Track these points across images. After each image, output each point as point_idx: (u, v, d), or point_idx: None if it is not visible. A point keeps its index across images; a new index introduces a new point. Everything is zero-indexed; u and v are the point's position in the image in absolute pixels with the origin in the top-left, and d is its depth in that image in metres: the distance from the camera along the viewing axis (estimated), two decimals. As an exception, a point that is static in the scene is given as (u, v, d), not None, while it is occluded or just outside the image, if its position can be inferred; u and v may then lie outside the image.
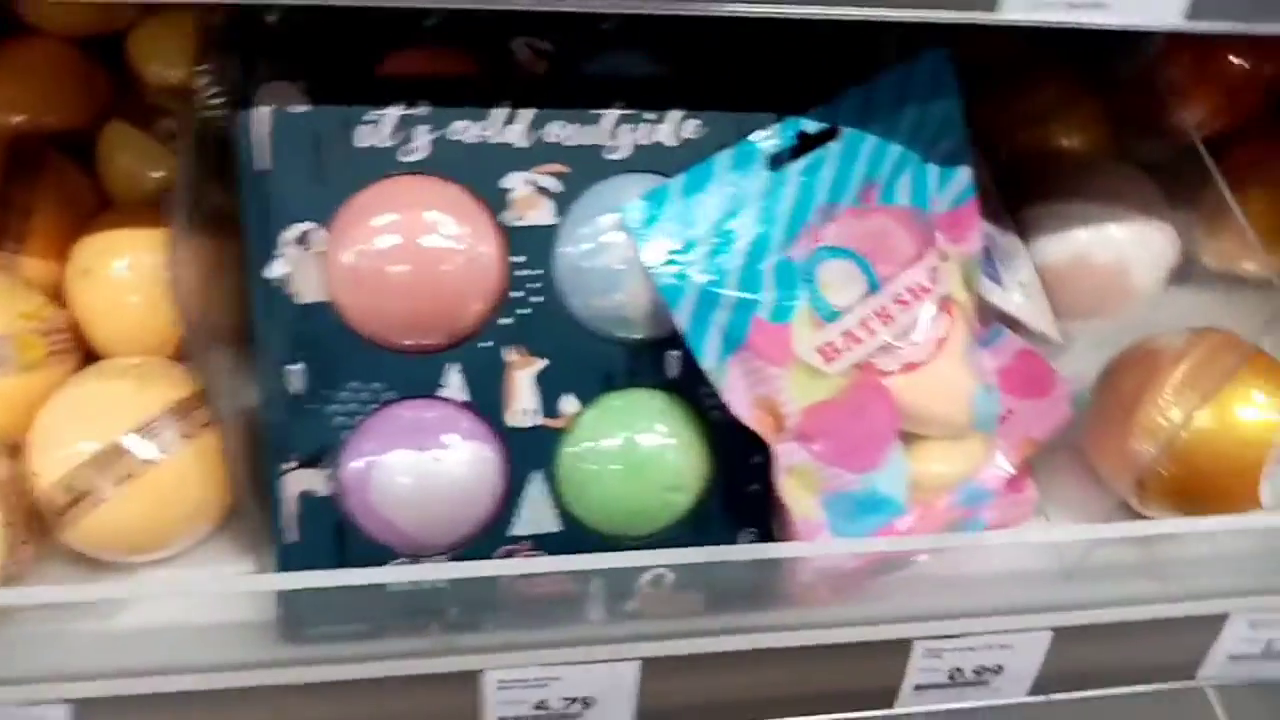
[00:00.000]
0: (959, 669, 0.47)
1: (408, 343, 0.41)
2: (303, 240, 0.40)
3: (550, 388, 0.43)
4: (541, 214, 0.41)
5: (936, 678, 0.48)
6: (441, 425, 0.42)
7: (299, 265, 0.40)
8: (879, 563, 0.44)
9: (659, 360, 0.44)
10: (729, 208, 0.41)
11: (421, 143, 0.40)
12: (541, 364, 0.42)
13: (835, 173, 0.42)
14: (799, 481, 0.43)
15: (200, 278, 0.41)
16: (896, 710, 0.50)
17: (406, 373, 0.42)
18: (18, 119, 0.50)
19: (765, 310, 0.41)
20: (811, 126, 0.41)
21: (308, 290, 0.40)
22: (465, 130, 0.40)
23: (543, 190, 0.41)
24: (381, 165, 0.40)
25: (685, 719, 0.48)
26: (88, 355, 0.47)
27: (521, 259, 0.41)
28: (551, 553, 0.44)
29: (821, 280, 0.42)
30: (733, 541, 0.45)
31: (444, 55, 0.43)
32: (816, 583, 0.45)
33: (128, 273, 0.46)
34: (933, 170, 0.44)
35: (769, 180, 0.41)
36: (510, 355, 0.42)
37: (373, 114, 0.40)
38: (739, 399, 0.41)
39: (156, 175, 0.50)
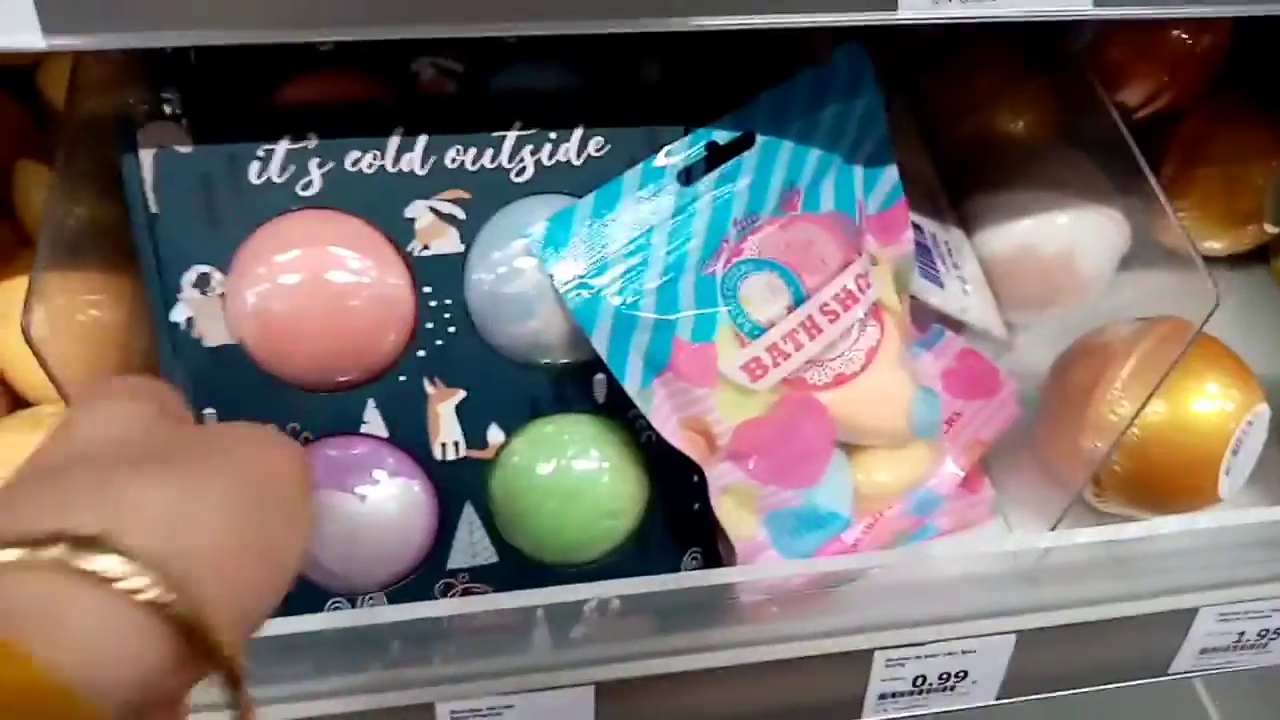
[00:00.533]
0: (923, 676, 0.46)
1: (322, 381, 0.40)
2: (202, 284, 0.39)
3: (474, 418, 0.41)
4: (447, 242, 0.40)
5: (901, 686, 0.47)
6: (365, 462, 0.41)
7: (201, 309, 0.39)
8: (828, 577, 0.43)
9: (586, 385, 0.42)
10: (641, 226, 0.39)
11: (316, 176, 0.39)
12: (460, 395, 0.41)
13: (752, 182, 0.40)
14: (736, 501, 0.42)
15: (77, 324, 0.39)
16: None
17: (323, 411, 0.40)
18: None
19: (686, 330, 0.39)
20: (723, 136, 0.40)
21: (213, 334, 0.39)
22: (361, 160, 0.39)
23: (446, 217, 0.39)
24: (277, 202, 0.39)
25: None
26: (15, 402, 0.47)
27: (430, 289, 0.40)
28: (492, 584, 0.43)
29: (744, 295, 0.40)
30: (677, 562, 0.44)
31: (344, 80, 0.42)
32: (766, 601, 0.44)
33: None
34: (858, 172, 0.42)
35: (681, 195, 0.40)
36: (429, 388, 0.41)
37: (262, 149, 0.38)
38: (666, 422, 0.40)
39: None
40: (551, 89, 0.43)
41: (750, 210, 0.41)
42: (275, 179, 0.38)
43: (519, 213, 0.40)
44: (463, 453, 0.42)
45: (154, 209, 0.38)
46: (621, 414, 0.42)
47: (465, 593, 0.43)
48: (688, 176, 0.40)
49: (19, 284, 0.45)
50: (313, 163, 0.38)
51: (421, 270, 0.40)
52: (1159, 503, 0.45)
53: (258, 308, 0.39)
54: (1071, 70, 0.48)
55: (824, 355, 0.41)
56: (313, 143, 0.38)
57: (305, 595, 0.41)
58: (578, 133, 0.40)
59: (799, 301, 0.40)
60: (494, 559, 0.43)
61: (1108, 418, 0.44)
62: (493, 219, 0.40)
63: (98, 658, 0.18)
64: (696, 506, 0.43)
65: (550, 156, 0.40)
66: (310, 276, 0.39)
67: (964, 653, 0.45)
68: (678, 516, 0.44)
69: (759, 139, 0.40)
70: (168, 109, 0.39)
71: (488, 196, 0.40)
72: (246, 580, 0.22)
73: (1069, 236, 0.47)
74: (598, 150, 0.40)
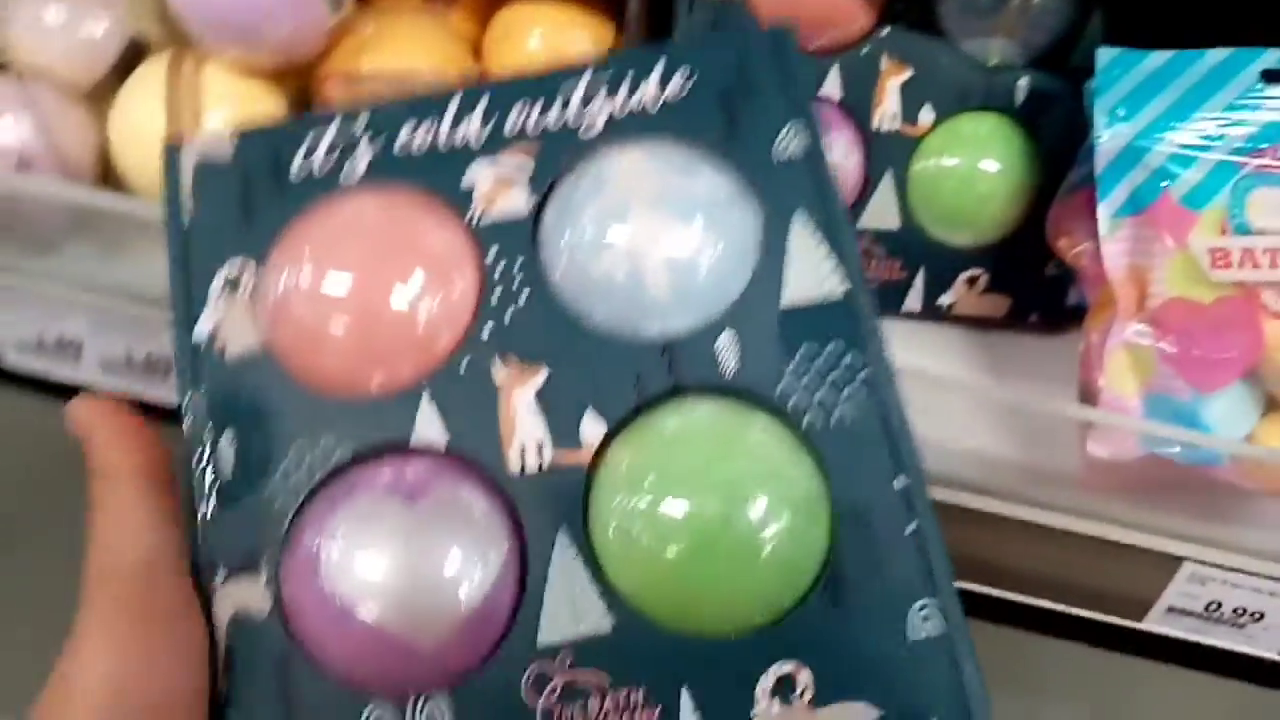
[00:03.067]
0: (1218, 603, 0.47)
1: (365, 387, 0.33)
2: (231, 286, 0.34)
3: (561, 406, 0.32)
4: (513, 203, 0.34)
5: (1193, 605, 0.48)
6: (415, 487, 0.31)
7: (227, 314, 0.34)
8: (1174, 472, 0.45)
9: (707, 354, 0.32)
10: (1196, 93, 0.44)
11: (362, 163, 0.35)
12: (543, 375, 0.32)
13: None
14: (1132, 362, 0.45)
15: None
16: (1143, 625, 0.51)
17: (363, 420, 0.32)
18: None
19: (1180, 189, 0.43)
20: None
21: (238, 341, 0.33)
22: (417, 129, 0.35)
23: (511, 177, 0.35)
24: (318, 194, 0.34)
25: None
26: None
27: (494, 256, 0.34)
28: (607, 665, 0.30)
29: (1253, 199, 0.43)
30: (900, 621, 0.30)
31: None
32: (1106, 469, 0.46)
33: (539, 42, 0.53)
34: None
35: (1255, 89, 0.43)
36: (499, 371, 0.33)
37: (305, 145, 0.35)
38: (1117, 259, 0.44)
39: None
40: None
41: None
42: (316, 171, 0.35)
43: (595, 162, 0.35)
44: (549, 458, 0.32)
45: (187, 223, 0.35)
46: (765, 391, 0.32)
47: (566, 692, 0.30)
48: (1270, 77, 0.43)
49: (517, 13, 0.54)
50: (358, 151, 0.35)
51: (487, 237, 0.34)
52: None
53: (292, 300, 0.33)
54: None
55: (1292, 286, 0.42)
56: (363, 120, 0.35)
57: (330, 706, 0.30)
58: (659, 66, 0.35)
59: (1301, 230, 0.42)
60: (607, 624, 0.30)
61: None
62: (566, 173, 0.35)
63: None
64: (912, 528, 0.31)
65: (622, 107, 0.35)
66: (353, 260, 0.33)
67: (1271, 594, 0.45)
68: (884, 548, 0.31)
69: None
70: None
71: (556, 154, 0.35)
72: None
73: None
74: (676, 95, 0.35)
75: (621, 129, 0.35)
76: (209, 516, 0.32)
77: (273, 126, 0.36)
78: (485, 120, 0.35)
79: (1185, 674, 0.53)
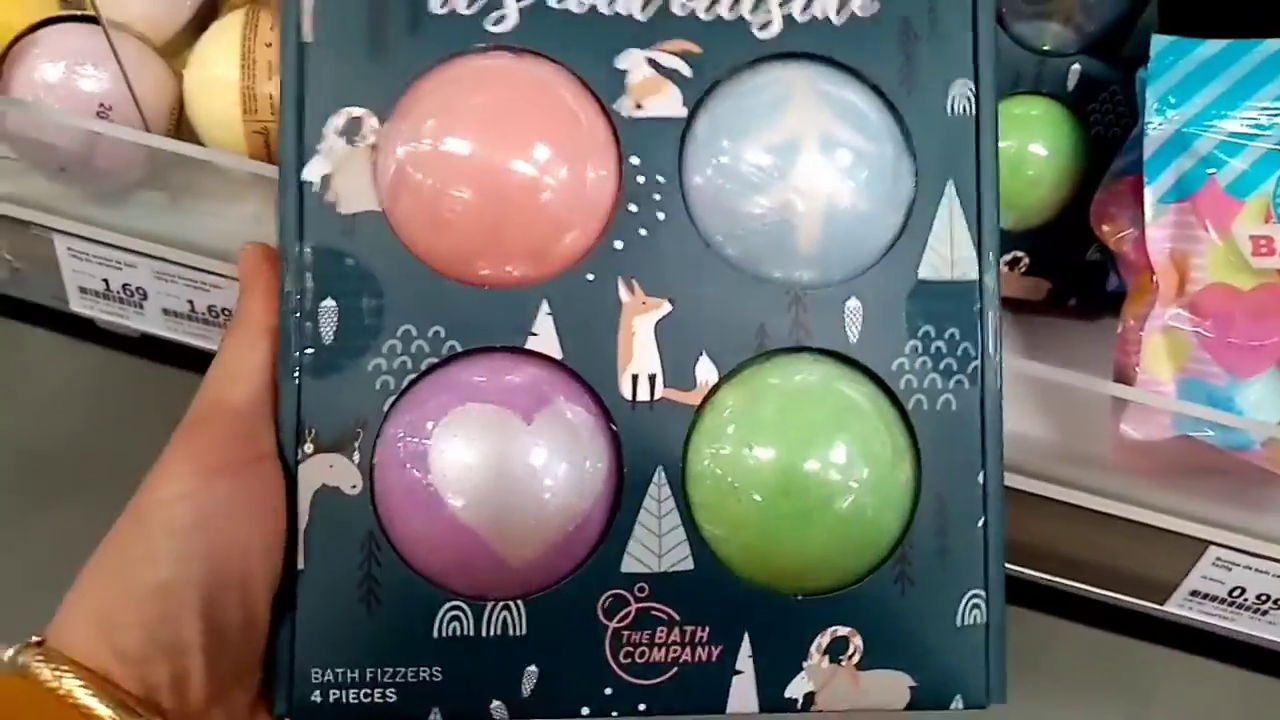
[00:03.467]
0: (1242, 589, 0.48)
1: (484, 272, 0.32)
2: (351, 131, 0.31)
3: (679, 344, 0.32)
4: (667, 103, 0.32)
5: (1217, 590, 0.49)
6: (527, 394, 0.31)
7: (344, 164, 0.31)
8: (1204, 456, 0.46)
9: (835, 315, 0.32)
10: (1248, 83, 0.44)
11: (513, 9, 0.32)
12: (665, 308, 0.32)
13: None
14: (1169, 346, 0.46)
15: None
16: (1166, 609, 0.51)
17: (479, 312, 0.31)
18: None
19: (1226, 177, 0.44)
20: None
21: (353, 197, 0.31)
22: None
23: (669, 73, 0.32)
24: (461, 37, 0.32)
25: None
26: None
27: (639, 161, 0.32)
28: (681, 604, 0.31)
29: (1300, 188, 0.44)
30: (951, 607, 0.32)
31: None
32: (1138, 448, 0.47)
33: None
34: None
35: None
36: (624, 293, 0.32)
37: None
38: (1160, 244, 0.45)
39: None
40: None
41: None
42: (460, 9, 0.32)
43: (763, 78, 0.32)
44: (659, 393, 0.32)
45: (308, 36, 0.31)
46: (881, 366, 0.32)
47: (639, 619, 0.31)
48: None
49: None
50: None
51: (630, 136, 0.32)
52: None
53: (416, 165, 0.31)
54: None
55: (1334, 276, 0.43)
56: None
57: (410, 595, 0.31)
58: None
59: (1348, 221, 0.43)
60: (688, 564, 0.32)
61: None
62: (729, 82, 0.32)
63: None
64: (982, 523, 0.32)
65: (804, 9, 0.32)
66: (487, 133, 0.31)
67: (1296, 581, 0.45)
68: (954, 537, 0.32)
69: None
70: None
71: (722, 52, 0.32)
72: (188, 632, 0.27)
73: None
74: (863, 9, 0.33)
75: (800, 36, 0.32)
76: (303, 378, 0.31)
77: None
78: None
79: (1205, 663, 0.53)
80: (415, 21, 0.31)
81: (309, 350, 0.31)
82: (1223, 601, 0.49)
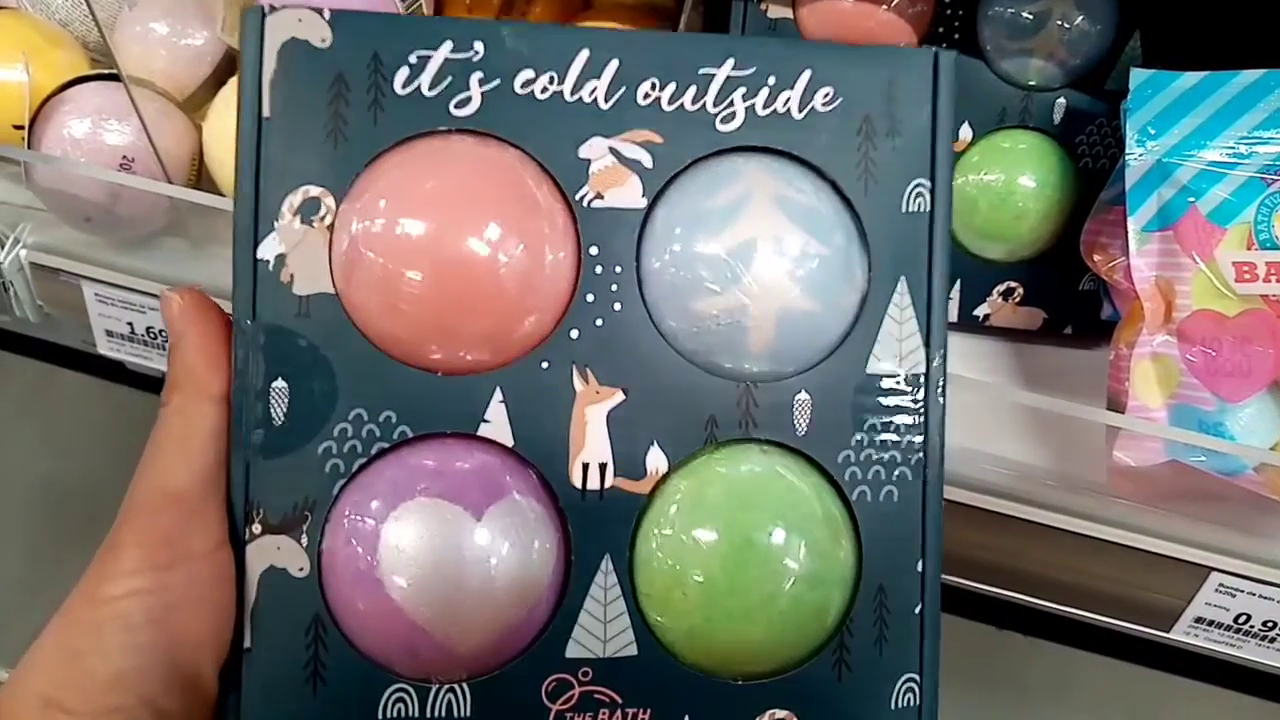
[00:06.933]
0: (1247, 615, 0.47)
1: (437, 357, 0.31)
2: (308, 210, 0.31)
3: (630, 432, 0.32)
4: (627, 193, 0.32)
5: (1222, 616, 0.48)
6: (476, 480, 0.31)
7: (300, 244, 0.31)
8: (1200, 481, 0.46)
9: (785, 408, 0.32)
10: (1227, 113, 0.45)
11: (476, 94, 0.31)
12: (618, 398, 0.32)
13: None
14: (1159, 374, 0.46)
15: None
16: (1171, 636, 0.51)
17: (431, 399, 0.31)
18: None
19: (1208, 205, 0.45)
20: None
21: (308, 278, 0.31)
22: (534, 82, 0.31)
23: (630, 163, 0.32)
24: (423, 119, 0.31)
25: (967, 569, 0.51)
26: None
27: (597, 250, 0.32)
28: (623, 690, 0.32)
29: (1280, 214, 0.44)
30: (887, 690, 0.33)
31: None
32: (1132, 474, 0.47)
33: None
34: None
35: (1282, 108, 0.45)
36: (578, 382, 0.32)
37: (416, 53, 0.31)
38: (1144, 270, 0.46)
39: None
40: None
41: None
42: (426, 91, 0.31)
43: (723, 174, 0.33)
44: (610, 481, 0.32)
45: (267, 112, 0.30)
46: (827, 458, 0.33)
47: (582, 702, 0.32)
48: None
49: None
50: (475, 77, 0.31)
51: (590, 225, 0.32)
52: None
53: (371, 248, 0.30)
54: None
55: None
56: (478, 54, 0.31)
57: (355, 677, 0.31)
58: (804, 78, 0.32)
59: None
60: (632, 649, 0.32)
61: None
62: (689, 175, 0.32)
63: None
64: (919, 609, 0.33)
65: (766, 104, 0.32)
66: (442, 216, 0.30)
67: (1302, 608, 0.44)
68: (892, 624, 0.33)
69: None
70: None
71: (684, 144, 0.32)
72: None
73: None
74: (825, 104, 0.33)
75: (761, 131, 0.32)
76: (253, 458, 0.30)
77: (375, 15, 0.32)
78: (614, 85, 0.32)
79: (1212, 690, 0.53)
80: (377, 101, 0.31)
81: (259, 430, 0.31)
82: (1228, 628, 0.49)
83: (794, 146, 0.33)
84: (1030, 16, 0.53)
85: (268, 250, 0.31)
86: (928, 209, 0.33)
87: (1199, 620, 0.50)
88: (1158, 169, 0.45)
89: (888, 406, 0.33)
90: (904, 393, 0.33)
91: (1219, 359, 0.45)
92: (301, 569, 0.30)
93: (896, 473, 0.33)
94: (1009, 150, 0.54)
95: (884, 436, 0.33)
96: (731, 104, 0.32)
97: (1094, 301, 0.55)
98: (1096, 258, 0.51)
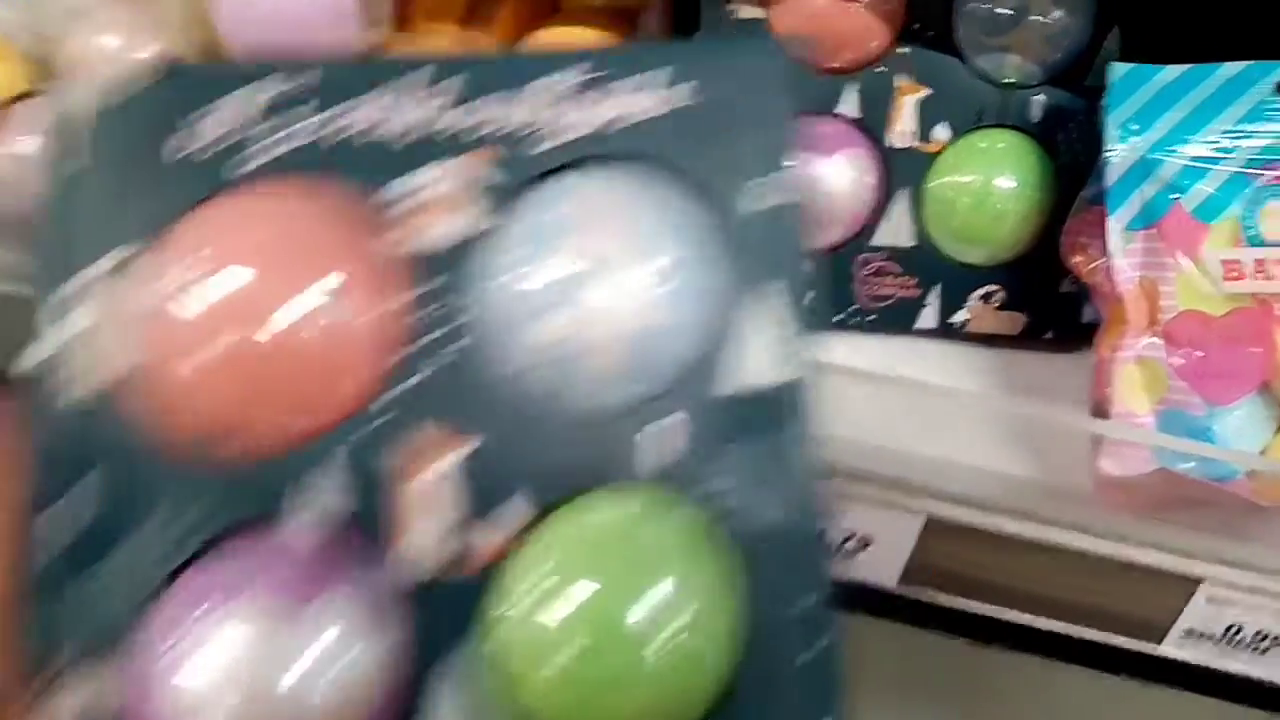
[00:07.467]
0: (1238, 627, 0.46)
1: (253, 435, 0.28)
2: (112, 278, 0.28)
3: (486, 480, 0.29)
4: (456, 224, 0.29)
5: (1212, 628, 0.47)
6: (304, 580, 0.27)
7: (99, 323, 0.28)
8: (1189, 489, 0.44)
9: (625, 445, 0.29)
10: (1209, 107, 0.44)
11: (277, 140, 0.29)
12: (460, 450, 0.28)
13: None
14: (1145, 378, 0.44)
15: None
16: (1160, 650, 0.49)
17: (244, 488, 0.27)
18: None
19: (1192, 202, 0.43)
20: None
21: (94, 369, 0.27)
22: (352, 115, 0.29)
23: (460, 191, 0.30)
24: (206, 179, 0.28)
25: (952, 584, 0.49)
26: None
27: (424, 290, 0.29)
28: None
29: (1268, 208, 0.43)
30: None
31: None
32: (1118, 484, 0.45)
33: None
34: None
35: (1269, 102, 0.43)
36: (408, 442, 0.28)
37: (205, 109, 0.29)
38: (1127, 271, 0.44)
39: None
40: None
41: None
42: (207, 150, 0.29)
43: (559, 191, 0.30)
44: (460, 543, 0.28)
45: (75, 167, 0.29)
46: (695, 487, 0.29)
47: None
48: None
49: (548, 36, 0.51)
50: (267, 124, 0.29)
51: (421, 264, 0.29)
52: None
53: (169, 323, 0.27)
54: None
55: (1308, 298, 0.42)
56: (297, 85, 0.30)
57: None
58: (651, 76, 0.30)
59: (1317, 244, 0.42)
60: None
61: None
62: (525, 196, 0.30)
63: None
64: (823, 644, 0.29)
65: (605, 112, 0.30)
66: (244, 277, 0.27)
67: (1295, 618, 0.43)
68: (788, 666, 0.28)
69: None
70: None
71: (520, 163, 0.30)
72: None
73: None
74: (672, 103, 0.31)
75: (598, 142, 0.30)
76: (49, 583, 0.26)
77: (192, 69, 0.29)
78: (454, 104, 0.29)
79: (1204, 701, 0.51)
80: (153, 168, 0.28)
81: (56, 546, 0.27)
82: (1220, 641, 0.48)
83: (638, 151, 0.30)
84: (1007, 11, 0.51)
85: (70, 329, 0.27)
86: (785, 202, 0.30)
87: (1189, 632, 0.48)
88: (1140, 165, 0.44)
89: (758, 423, 0.29)
90: (774, 403, 0.29)
91: (1207, 360, 0.44)
92: (109, 699, 0.26)
93: (775, 496, 0.29)
94: (986, 150, 0.52)
95: (755, 457, 0.29)
96: (572, 117, 0.30)
97: (1075, 304, 0.54)
98: (1076, 259, 0.49)
